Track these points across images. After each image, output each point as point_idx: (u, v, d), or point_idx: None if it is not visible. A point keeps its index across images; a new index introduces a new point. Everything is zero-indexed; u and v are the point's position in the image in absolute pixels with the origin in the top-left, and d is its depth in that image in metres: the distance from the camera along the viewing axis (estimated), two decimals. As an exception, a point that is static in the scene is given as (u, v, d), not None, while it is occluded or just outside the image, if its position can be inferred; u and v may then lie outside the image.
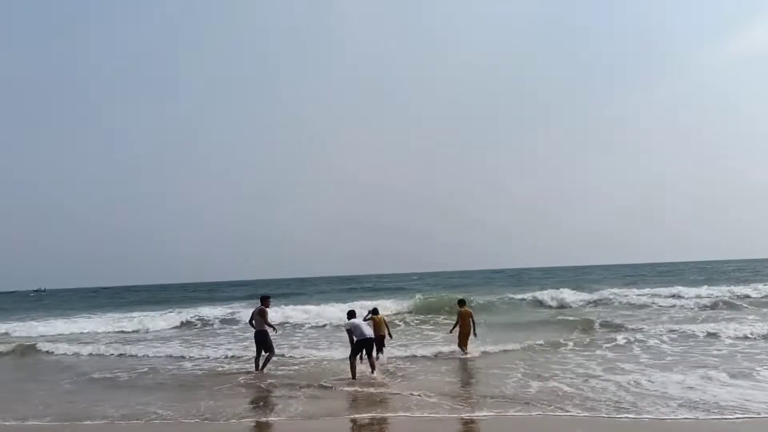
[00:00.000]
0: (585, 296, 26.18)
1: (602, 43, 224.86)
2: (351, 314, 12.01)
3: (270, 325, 12.23)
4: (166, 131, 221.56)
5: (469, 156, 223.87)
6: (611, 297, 25.42)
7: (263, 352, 12.16)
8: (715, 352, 12.13)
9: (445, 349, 13.77)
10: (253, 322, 12.26)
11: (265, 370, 11.96)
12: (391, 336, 13.13)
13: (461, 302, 14.00)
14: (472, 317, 13.53)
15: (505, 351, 13.26)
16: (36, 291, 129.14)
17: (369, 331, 11.28)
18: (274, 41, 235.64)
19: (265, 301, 12.45)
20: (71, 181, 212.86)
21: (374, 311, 13.21)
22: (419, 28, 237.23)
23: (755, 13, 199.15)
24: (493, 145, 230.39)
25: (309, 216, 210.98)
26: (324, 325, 20.61)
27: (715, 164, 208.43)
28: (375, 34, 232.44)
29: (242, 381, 11.27)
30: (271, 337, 12.26)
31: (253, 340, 12.27)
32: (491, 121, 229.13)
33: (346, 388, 10.06)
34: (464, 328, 13.42)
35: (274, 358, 12.38)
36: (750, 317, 18.18)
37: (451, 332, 13.99)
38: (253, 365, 12.24)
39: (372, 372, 11.09)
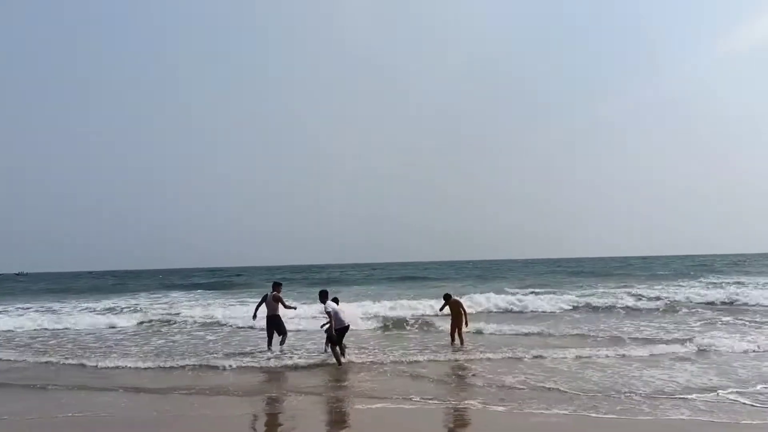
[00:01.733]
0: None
1: (601, 44, 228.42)
2: (324, 295, 11.68)
3: (289, 307, 13.61)
4: (167, 131, 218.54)
5: (468, 153, 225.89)
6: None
7: (276, 335, 13.13)
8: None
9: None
10: (265, 307, 13.14)
11: (284, 347, 13.04)
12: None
13: (447, 296, 14.21)
14: (462, 307, 13.80)
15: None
16: (18, 274, 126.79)
17: (347, 319, 11.44)
18: (274, 42, 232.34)
19: (277, 287, 13.39)
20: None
21: (335, 300, 12.79)
22: (418, 28, 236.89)
23: (753, 13, 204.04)
24: (492, 141, 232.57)
25: (314, 210, 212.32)
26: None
27: (714, 163, 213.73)
28: (380, 37, 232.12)
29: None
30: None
31: (265, 325, 13.25)
32: (491, 119, 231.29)
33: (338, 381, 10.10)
34: (455, 320, 13.68)
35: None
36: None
37: (466, 324, 13.78)
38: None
39: (343, 357, 11.33)
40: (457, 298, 14.31)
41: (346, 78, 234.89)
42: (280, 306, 13.18)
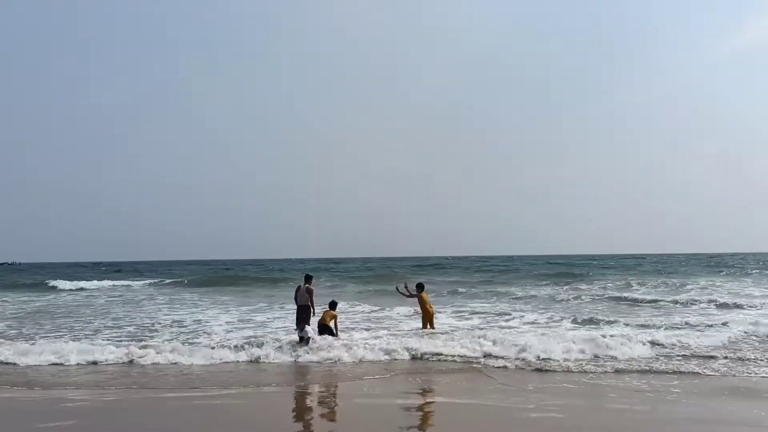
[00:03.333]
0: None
1: (602, 39, 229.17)
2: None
3: (311, 304, 13.31)
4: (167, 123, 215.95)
5: (469, 149, 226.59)
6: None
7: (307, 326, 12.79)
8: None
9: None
10: (297, 297, 13.46)
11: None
12: (337, 334, 13.00)
13: (420, 286, 14.17)
14: (428, 302, 13.96)
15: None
16: (11, 264, 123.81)
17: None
18: (276, 38, 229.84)
19: (308, 280, 13.74)
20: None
21: (332, 305, 13.40)
22: (420, 25, 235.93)
23: (750, 13, 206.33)
24: (493, 137, 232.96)
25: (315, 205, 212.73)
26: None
27: (714, 162, 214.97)
28: (383, 29, 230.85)
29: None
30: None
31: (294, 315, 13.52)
32: (493, 115, 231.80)
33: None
34: (424, 311, 13.89)
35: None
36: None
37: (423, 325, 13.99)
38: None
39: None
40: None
41: (347, 74, 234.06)
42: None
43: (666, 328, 13.87)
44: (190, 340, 13.18)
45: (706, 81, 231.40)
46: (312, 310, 13.25)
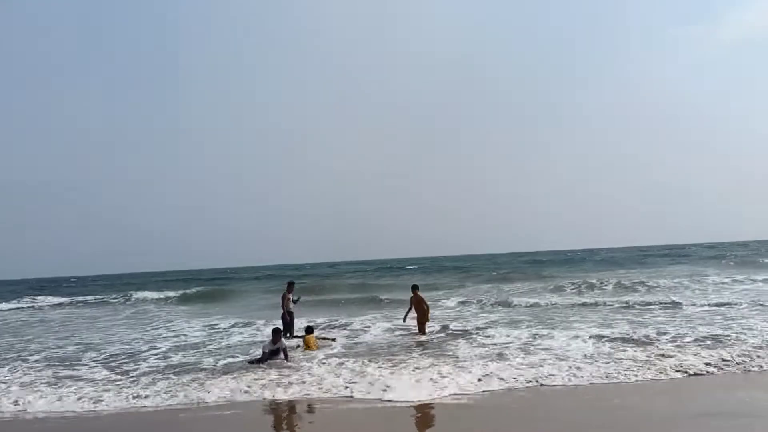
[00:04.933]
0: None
1: (601, 39, 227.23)
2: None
3: (284, 309, 13.99)
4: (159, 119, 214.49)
5: (442, 153, 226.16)
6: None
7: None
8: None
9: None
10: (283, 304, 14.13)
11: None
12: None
13: (414, 287, 14.08)
14: (424, 302, 13.77)
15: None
16: None
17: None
18: (250, 37, 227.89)
19: (289, 287, 14.40)
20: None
21: (308, 330, 13.15)
22: (393, 29, 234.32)
23: (751, 11, 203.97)
24: (466, 140, 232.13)
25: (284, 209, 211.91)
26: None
27: (714, 162, 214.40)
28: (355, 38, 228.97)
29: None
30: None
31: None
32: (465, 118, 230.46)
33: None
34: (418, 313, 13.70)
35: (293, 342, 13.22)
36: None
37: (404, 320, 14.07)
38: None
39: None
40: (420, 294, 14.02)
41: (318, 79, 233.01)
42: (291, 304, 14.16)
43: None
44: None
45: (706, 80, 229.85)
46: (286, 315, 13.74)
